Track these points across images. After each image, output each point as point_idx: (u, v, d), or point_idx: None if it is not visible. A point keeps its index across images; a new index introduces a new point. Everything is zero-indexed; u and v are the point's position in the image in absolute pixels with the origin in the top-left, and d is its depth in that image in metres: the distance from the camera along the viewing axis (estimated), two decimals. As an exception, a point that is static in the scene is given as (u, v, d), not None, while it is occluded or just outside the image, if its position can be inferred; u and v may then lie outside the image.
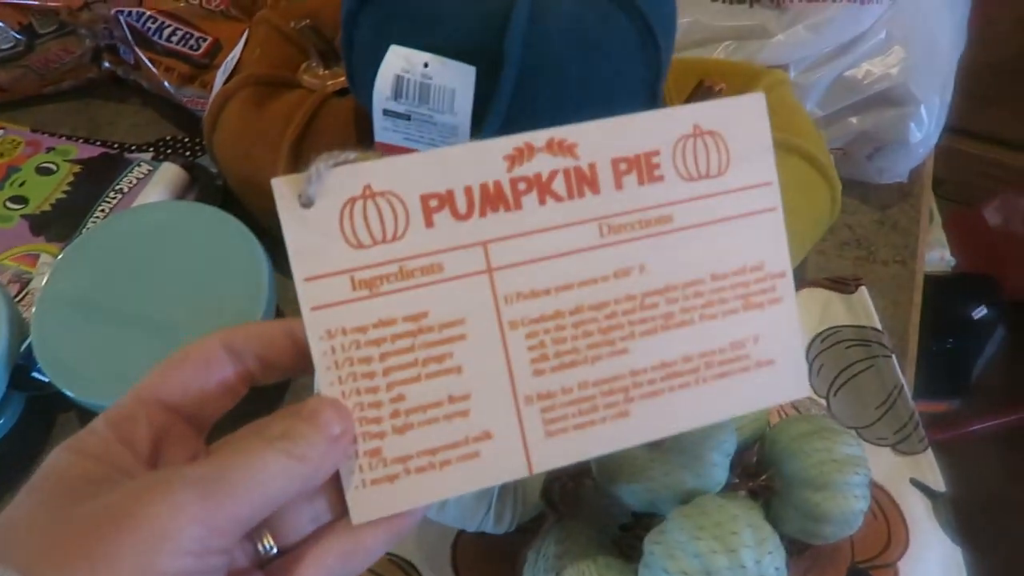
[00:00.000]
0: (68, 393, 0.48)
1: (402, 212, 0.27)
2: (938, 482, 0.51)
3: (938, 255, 1.08)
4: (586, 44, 0.44)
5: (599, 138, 0.28)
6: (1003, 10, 1.20)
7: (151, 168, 0.62)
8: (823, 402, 0.55)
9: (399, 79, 0.43)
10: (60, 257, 0.52)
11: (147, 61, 0.68)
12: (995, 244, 1.34)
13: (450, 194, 0.27)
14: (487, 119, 0.43)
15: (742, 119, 0.30)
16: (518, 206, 0.28)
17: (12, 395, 0.52)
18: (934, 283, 0.73)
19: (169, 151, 0.70)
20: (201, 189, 0.63)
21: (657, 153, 0.29)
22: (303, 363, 0.27)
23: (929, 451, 0.52)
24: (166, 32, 0.67)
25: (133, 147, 0.70)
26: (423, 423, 0.27)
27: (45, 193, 0.61)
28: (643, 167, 0.29)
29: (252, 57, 0.58)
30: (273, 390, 0.54)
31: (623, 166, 0.29)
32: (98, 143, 0.68)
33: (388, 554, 0.48)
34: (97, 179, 0.62)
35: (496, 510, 0.42)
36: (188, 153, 0.70)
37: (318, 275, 0.26)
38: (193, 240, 0.53)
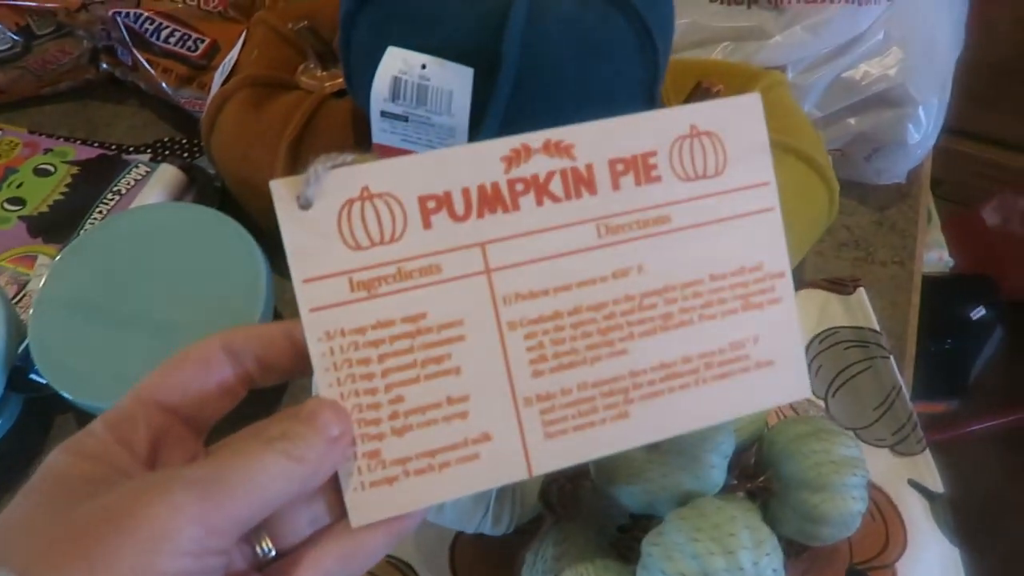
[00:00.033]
0: (66, 395, 0.47)
1: (400, 213, 0.27)
2: (936, 483, 0.51)
3: (936, 256, 1.08)
4: (584, 45, 0.44)
5: (596, 139, 0.28)
6: (1001, 10, 1.20)
7: (149, 169, 0.62)
8: (821, 403, 0.55)
9: (397, 80, 0.43)
10: (58, 259, 0.52)
11: (145, 62, 0.68)
12: (993, 245, 1.34)
13: (448, 196, 0.27)
14: (485, 120, 0.43)
15: (738, 119, 0.30)
16: (515, 207, 0.28)
17: (10, 397, 0.52)
18: (932, 284, 0.73)
19: (167, 152, 0.70)
20: (199, 190, 0.63)
21: (654, 154, 0.29)
22: (302, 365, 0.27)
23: (927, 452, 0.52)
24: (164, 33, 0.67)
25: (131, 148, 0.70)
26: (422, 424, 0.27)
27: (43, 195, 0.61)
28: (640, 168, 0.29)
29: (250, 58, 0.58)
30: (271, 392, 0.54)
31: (620, 167, 0.29)
32: (96, 144, 0.68)
33: (387, 556, 0.48)
34: (95, 180, 0.62)
35: (494, 512, 0.42)
36: (186, 154, 0.70)
37: (316, 276, 0.27)
38: (191, 242, 0.53)
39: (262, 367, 0.28)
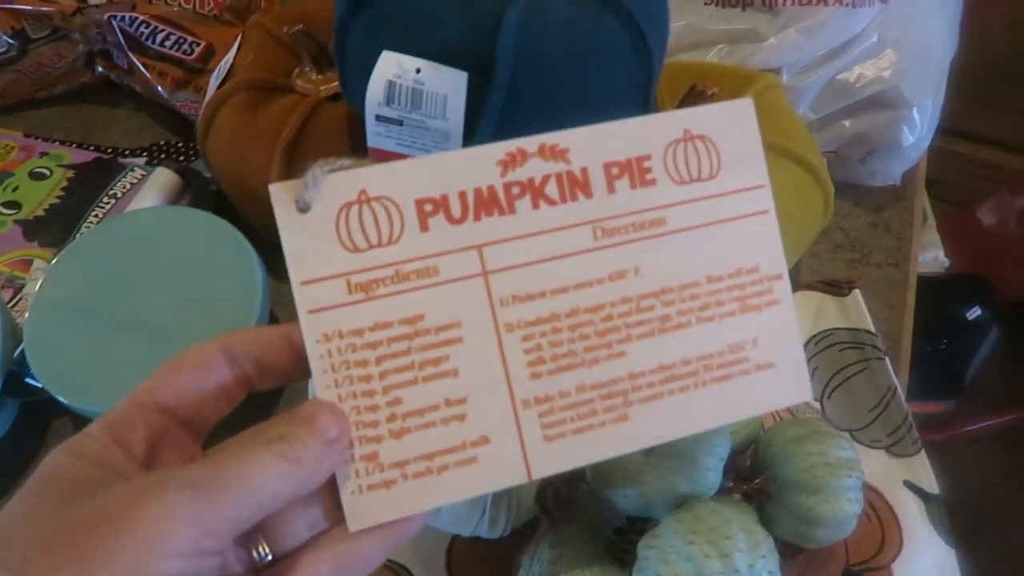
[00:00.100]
0: (61, 399, 0.47)
1: (397, 216, 0.27)
2: (932, 484, 0.51)
3: (932, 256, 1.09)
4: (578, 48, 0.44)
5: (590, 143, 0.29)
6: (995, 11, 1.21)
7: (145, 173, 0.62)
8: (817, 405, 0.55)
9: (391, 84, 0.43)
10: (53, 262, 0.52)
11: (140, 66, 0.68)
12: (989, 245, 1.35)
13: (444, 199, 0.28)
14: (480, 124, 0.44)
15: (731, 124, 0.30)
16: (512, 210, 0.28)
17: (6, 401, 0.52)
18: (928, 284, 0.73)
19: (163, 156, 0.70)
20: (195, 194, 0.63)
21: (648, 157, 0.29)
22: (300, 367, 0.27)
23: (922, 453, 0.52)
24: (159, 36, 0.67)
25: (127, 152, 0.70)
26: (420, 427, 0.27)
27: (38, 198, 0.61)
28: (635, 171, 0.29)
29: (245, 62, 0.58)
30: (268, 395, 0.54)
31: (615, 170, 0.29)
32: (91, 148, 0.68)
33: (383, 559, 0.48)
34: (91, 184, 0.62)
35: (490, 515, 0.42)
36: (182, 158, 0.70)
37: (314, 279, 0.27)
38: (187, 245, 0.53)
39: (260, 370, 0.28)
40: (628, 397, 0.29)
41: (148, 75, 0.68)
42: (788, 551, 0.42)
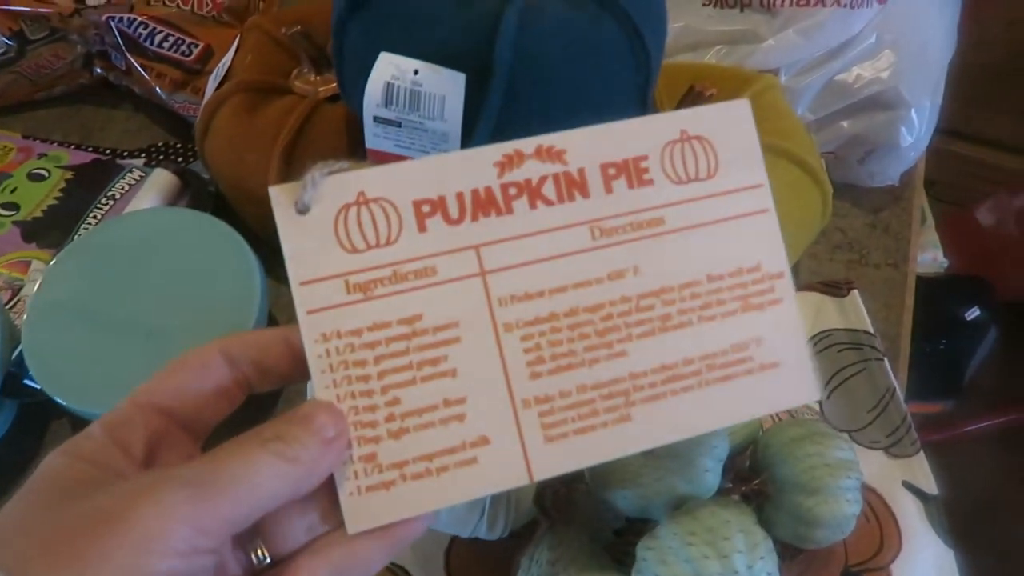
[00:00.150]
0: (59, 400, 0.47)
1: (395, 217, 0.28)
2: (930, 485, 0.51)
3: (931, 256, 1.09)
4: (576, 49, 0.44)
5: (587, 144, 0.29)
6: (993, 12, 1.21)
7: (143, 174, 0.62)
8: (816, 406, 0.55)
9: (389, 86, 0.43)
10: (52, 264, 0.52)
11: (139, 67, 0.68)
12: (988, 245, 1.35)
13: (442, 200, 0.28)
14: (478, 125, 0.43)
15: (728, 124, 0.30)
16: (509, 210, 0.28)
17: (4, 402, 0.52)
18: (927, 284, 0.73)
19: (161, 157, 0.70)
20: (193, 195, 0.63)
21: (645, 158, 0.29)
22: (299, 369, 0.27)
23: (921, 454, 0.52)
24: (157, 38, 0.67)
25: (125, 153, 0.70)
26: (419, 427, 0.27)
27: (37, 199, 0.61)
28: (632, 171, 0.29)
29: (244, 63, 0.58)
30: (268, 398, 0.54)
31: (612, 171, 0.29)
32: (90, 149, 0.68)
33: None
34: (89, 185, 0.62)
35: (489, 516, 0.42)
36: (180, 159, 0.70)
37: (313, 279, 0.27)
38: (185, 246, 0.53)
39: (259, 371, 0.28)
40: (630, 397, 0.29)
41: (146, 76, 0.68)
42: (787, 552, 0.42)
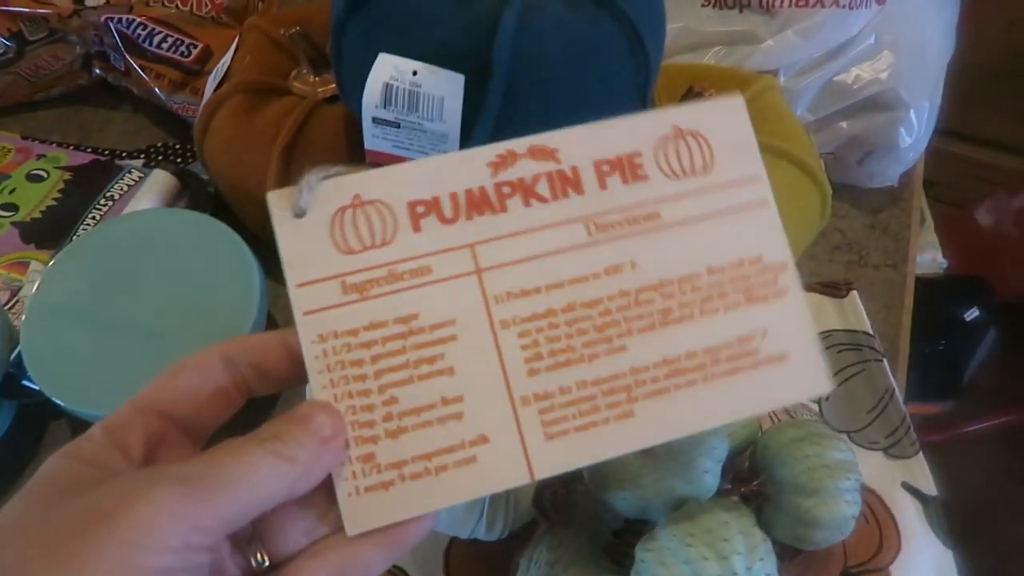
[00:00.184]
0: (58, 401, 0.47)
1: (390, 219, 0.28)
2: (929, 486, 0.51)
3: (930, 257, 1.09)
4: (575, 50, 0.44)
5: (580, 142, 0.29)
6: (992, 12, 1.21)
7: (142, 175, 0.62)
8: (815, 407, 0.55)
9: (388, 87, 0.43)
10: (50, 265, 0.52)
11: (137, 68, 0.68)
12: (987, 246, 1.35)
13: (436, 200, 0.28)
14: (477, 126, 0.43)
15: (722, 119, 0.30)
16: (503, 209, 0.28)
17: (2, 403, 0.52)
18: (926, 285, 0.73)
19: (160, 158, 0.70)
20: (192, 196, 0.63)
21: (639, 154, 0.29)
22: (298, 371, 0.27)
23: (920, 455, 0.52)
24: (156, 39, 0.67)
25: (124, 154, 0.70)
26: (417, 426, 0.27)
27: (35, 200, 0.61)
28: (626, 167, 0.29)
29: (242, 64, 0.58)
30: (268, 403, 0.54)
31: (606, 167, 0.29)
32: (89, 150, 0.68)
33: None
34: (88, 186, 0.62)
35: (488, 517, 0.42)
36: (179, 160, 0.70)
37: (310, 281, 0.27)
38: (184, 247, 0.53)
39: (259, 374, 0.28)
40: (632, 392, 0.28)
41: (145, 77, 0.68)
42: (786, 553, 0.42)
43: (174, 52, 0.67)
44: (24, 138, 0.69)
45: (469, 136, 0.44)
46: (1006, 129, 1.37)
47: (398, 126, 0.44)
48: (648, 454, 0.39)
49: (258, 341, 0.28)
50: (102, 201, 0.61)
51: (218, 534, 0.23)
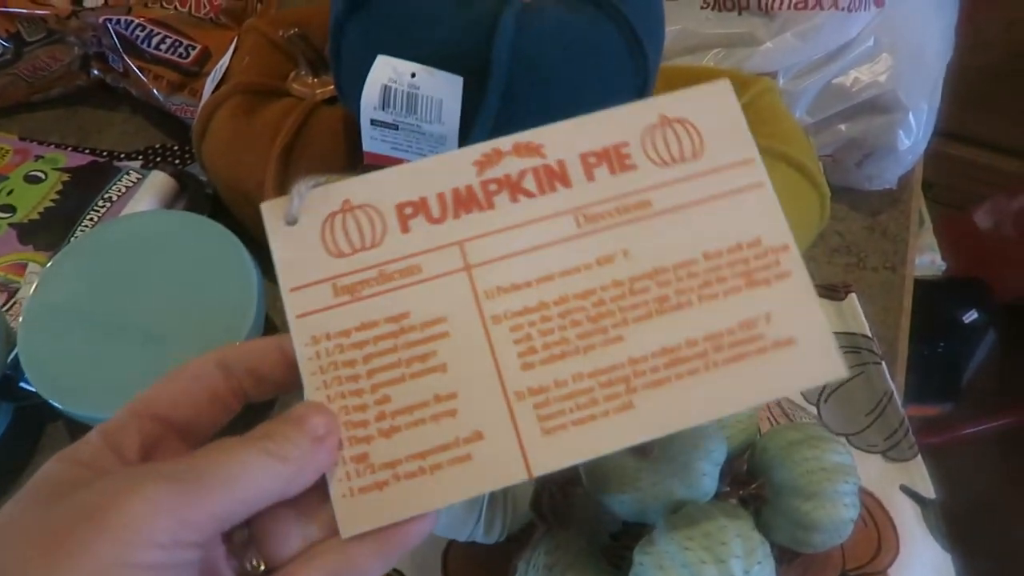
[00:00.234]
0: (55, 404, 0.47)
1: (379, 221, 0.29)
2: (928, 489, 0.51)
3: (929, 259, 1.09)
4: (573, 52, 0.44)
5: (564, 137, 0.29)
6: (991, 14, 1.21)
7: (140, 176, 0.62)
8: (813, 409, 0.55)
9: (386, 89, 0.43)
10: (48, 266, 0.52)
11: (136, 69, 0.68)
12: (985, 247, 1.35)
13: (423, 201, 0.29)
14: (475, 127, 0.43)
15: (709, 105, 0.30)
16: (490, 206, 0.29)
17: (0, 405, 0.52)
18: (925, 287, 0.73)
19: (158, 159, 0.70)
20: (190, 197, 0.62)
21: (626, 144, 0.30)
22: (294, 376, 0.28)
23: (919, 458, 0.52)
24: (155, 40, 0.67)
25: (122, 155, 0.70)
26: (410, 425, 0.27)
27: (33, 202, 0.61)
28: (613, 158, 0.29)
29: (241, 65, 0.58)
30: (263, 408, 0.53)
31: (592, 159, 0.29)
32: (87, 151, 0.68)
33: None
34: (86, 187, 0.62)
35: (486, 519, 0.42)
36: (177, 161, 0.70)
37: (302, 285, 0.28)
38: (182, 249, 0.52)
39: (255, 379, 0.28)
40: (631, 383, 0.27)
41: (144, 78, 0.68)
42: (784, 556, 0.42)
43: (172, 53, 0.67)
44: (22, 139, 0.68)
45: (468, 137, 0.44)
46: (1005, 131, 1.37)
47: (396, 128, 0.44)
48: (646, 457, 0.39)
49: (254, 347, 0.28)
50: (100, 202, 0.60)
51: (208, 531, 0.23)
